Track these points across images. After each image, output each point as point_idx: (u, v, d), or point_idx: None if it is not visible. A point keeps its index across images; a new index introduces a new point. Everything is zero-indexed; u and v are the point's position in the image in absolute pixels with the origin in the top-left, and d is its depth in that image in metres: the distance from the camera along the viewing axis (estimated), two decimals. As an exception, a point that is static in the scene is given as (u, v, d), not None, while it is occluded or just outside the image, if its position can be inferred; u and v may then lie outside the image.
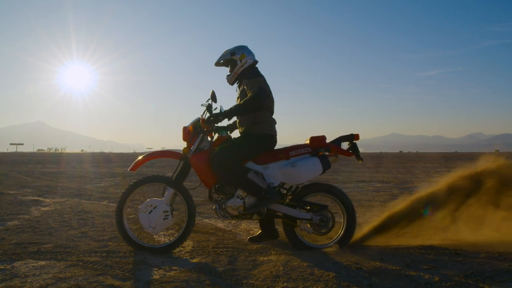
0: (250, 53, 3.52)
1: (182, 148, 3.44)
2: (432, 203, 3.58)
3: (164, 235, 3.78)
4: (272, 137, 3.44)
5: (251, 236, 3.71)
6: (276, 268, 2.79)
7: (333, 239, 3.41)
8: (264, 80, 3.43)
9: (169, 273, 2.74)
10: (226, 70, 3.62)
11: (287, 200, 3.41)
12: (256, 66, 3.58)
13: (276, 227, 3.75)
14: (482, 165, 3.80)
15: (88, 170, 16.75)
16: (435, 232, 3.61)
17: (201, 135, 3.39)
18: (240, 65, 3.47)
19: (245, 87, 3.40)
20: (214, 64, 3.62)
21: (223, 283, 2.53)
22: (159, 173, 4.59)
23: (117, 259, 3.07)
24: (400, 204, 3.72)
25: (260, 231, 3.70)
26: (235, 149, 3.29)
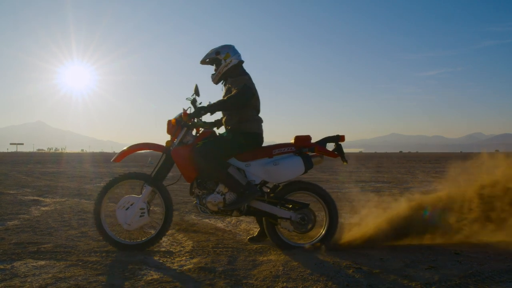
0: (235, 52, 3.51)
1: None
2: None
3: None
4: (257, 135, 3.44)
5: (251, 236, 3.71)
6: (276, 268, 2.79)
7: (315, 237, 3.40)
8: (250, 79, 3.44)
9: (169, 273, 2.73)
10: (211, 69, 3.61)
11: (269, 198, 3.39)
12: (242, 65, 3.57)
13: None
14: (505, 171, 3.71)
15: (88, 170, 16.75)
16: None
17: (185, 129, 3.39)
18: (225, 65, 3.46)
19: (230, 85, 3.42)
20: (199, 62, 3.61)
21: (223, 283, 2.53)
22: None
23: (117, 259, 3.07)
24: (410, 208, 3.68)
25: (259, 229, 3.69)
26: (219, 144, 3.30)
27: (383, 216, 3.67)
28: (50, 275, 2.64)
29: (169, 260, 3.07)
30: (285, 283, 2.51)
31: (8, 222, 4.51)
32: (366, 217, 3.86)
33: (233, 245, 3.51)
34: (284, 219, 3.31)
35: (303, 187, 3.41)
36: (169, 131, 3.42)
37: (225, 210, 3.30)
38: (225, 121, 3.55)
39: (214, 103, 3.29)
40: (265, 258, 3.09)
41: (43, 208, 5.60)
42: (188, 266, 2.88)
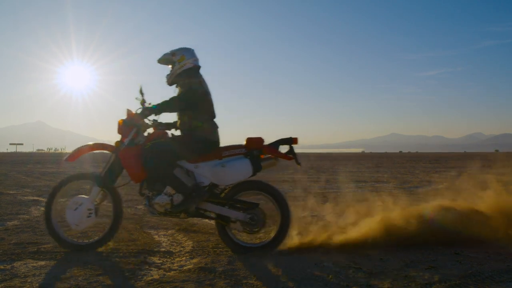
0: (191, 56, 3.47)
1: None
2: None
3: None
4: (208, 142, 3.37)
5: None
6: (276, 268, 2.80)
7: (267, 238, 3.37)
8: (200, 83, 3.39)
9: (169, 273, 2.74)
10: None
11: (218, 199, 3.35)
12: (199, 71, 3.53)
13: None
14: None
15: (88, 170, 16.75)
16: None
17: (135, 129, 3.38)
18: (178, 67, 3.44)
19: (179, 88, 3.43)
20: (157, 60, 3.57)
21: (223, 283, 2.53)
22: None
23: (117, 259, 3.07)
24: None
25: None
26: (168, 146, 3.28)
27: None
28: (50, 276, 2.64)
29: (169, 260, 3.06)
30: (285, 283, 2.51)
31: (8, 222, 4.51)
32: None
33: (233, 245, 3.50)
34: (233, 219, 3.28)
35: (254, 186, 3.37)
36: (119, 131, 3.41)
37: (172, 212, 3.27)
38: (179, 125, 3.53)
39: (158, 104, 3.29)
40: (265, 258, 3.09)
41: (43, 208, 5.60)
42: (188, 266, 2.88)
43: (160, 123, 3.58)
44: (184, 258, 3.12)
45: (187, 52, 3.48)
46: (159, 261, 3.02)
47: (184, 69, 3.43)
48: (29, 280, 2.55)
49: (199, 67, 3.54)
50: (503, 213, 3.64)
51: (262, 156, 3.35)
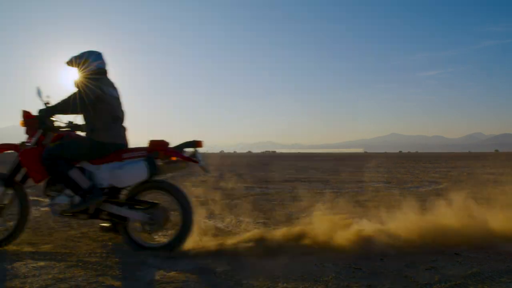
0: (97, 59, 3.47)
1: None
2: None
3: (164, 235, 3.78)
4: (106, 145, 3.36)
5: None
6: (276, 269, 2.79)
7: (169, 238, 3.40)
8: (98, 85, 3.35)
9: (168, 273, 2.73)
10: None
11: (118, 199, 3.37)
12: (105, 74, 3.53)
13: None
14: None
15: None
16: None
17: (40, 131, 3.41)
18: (82, 70, 3.44)
19: (78, 90, 3.42)
20: (65, 62, 3.57)
21: (223, 283, 2.53)
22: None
23: (117, 259, 3.07)
24: None
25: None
26: (68, 147, 3.30)
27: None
28: (50, 276, 2.64)
29: (169, 260, 3.06)
30: (285, 284, 2.51)
31: (8, 223, 4.51)
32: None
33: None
34: (132, 220, 3.30)
35: (154, 186, 3.38)
36: (26, 132, 3.47)
37: (70, 212, 3.29)
38: (83, 127, 3.56)
39: (52, 105, 3.33)
40: (265, 258, 3.09)
41: (43, 209, 5.60)
42: (188, 267, 2.88)
43: (76, 124, 3.63)
44: (184, 258, 3.12)
45: (92, 55, 3.48)
46: (159, 262, 3.02)
47: (87, 72, 3.44)
48: (29, 281, 2.55)
49: (104, 70, 3.54)
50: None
51: (174, 159, 3.35)
